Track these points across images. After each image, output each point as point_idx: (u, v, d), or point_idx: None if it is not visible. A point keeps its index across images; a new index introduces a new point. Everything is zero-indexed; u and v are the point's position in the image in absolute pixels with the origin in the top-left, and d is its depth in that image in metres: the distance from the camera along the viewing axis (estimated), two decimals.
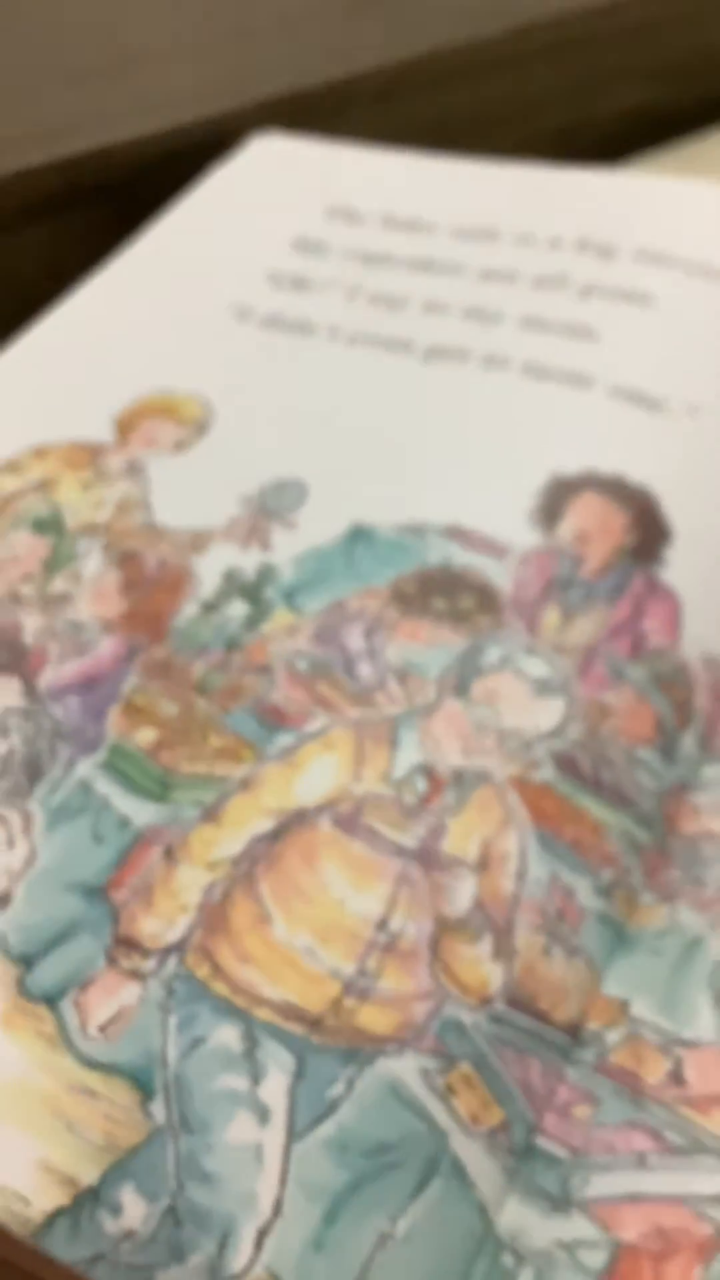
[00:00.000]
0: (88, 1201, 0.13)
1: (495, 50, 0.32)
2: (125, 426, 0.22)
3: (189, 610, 0.19)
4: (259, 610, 0.19)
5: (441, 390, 0.22)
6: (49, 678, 0.18)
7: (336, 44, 0.31)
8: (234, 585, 0.19)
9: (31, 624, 0.19)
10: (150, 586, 0.19)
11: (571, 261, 0.24)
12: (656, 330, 0.22)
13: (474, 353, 0.22)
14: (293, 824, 0.16)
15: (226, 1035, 0.14)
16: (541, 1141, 0.14)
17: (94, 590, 0.19)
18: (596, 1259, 0.14)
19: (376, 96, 0.30)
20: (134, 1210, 0.13)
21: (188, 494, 0.21)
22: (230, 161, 0.27)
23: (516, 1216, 0.14)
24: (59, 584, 0.19)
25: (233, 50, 0.31)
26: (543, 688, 0.18)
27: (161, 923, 0.15)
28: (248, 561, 0.20)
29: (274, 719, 0.18)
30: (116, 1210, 0.13)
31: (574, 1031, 0.15)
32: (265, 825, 0.16)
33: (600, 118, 0.34)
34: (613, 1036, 0.15)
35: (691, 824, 0.17)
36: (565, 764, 0.17)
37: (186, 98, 0.29)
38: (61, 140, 0.28)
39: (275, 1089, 0.14)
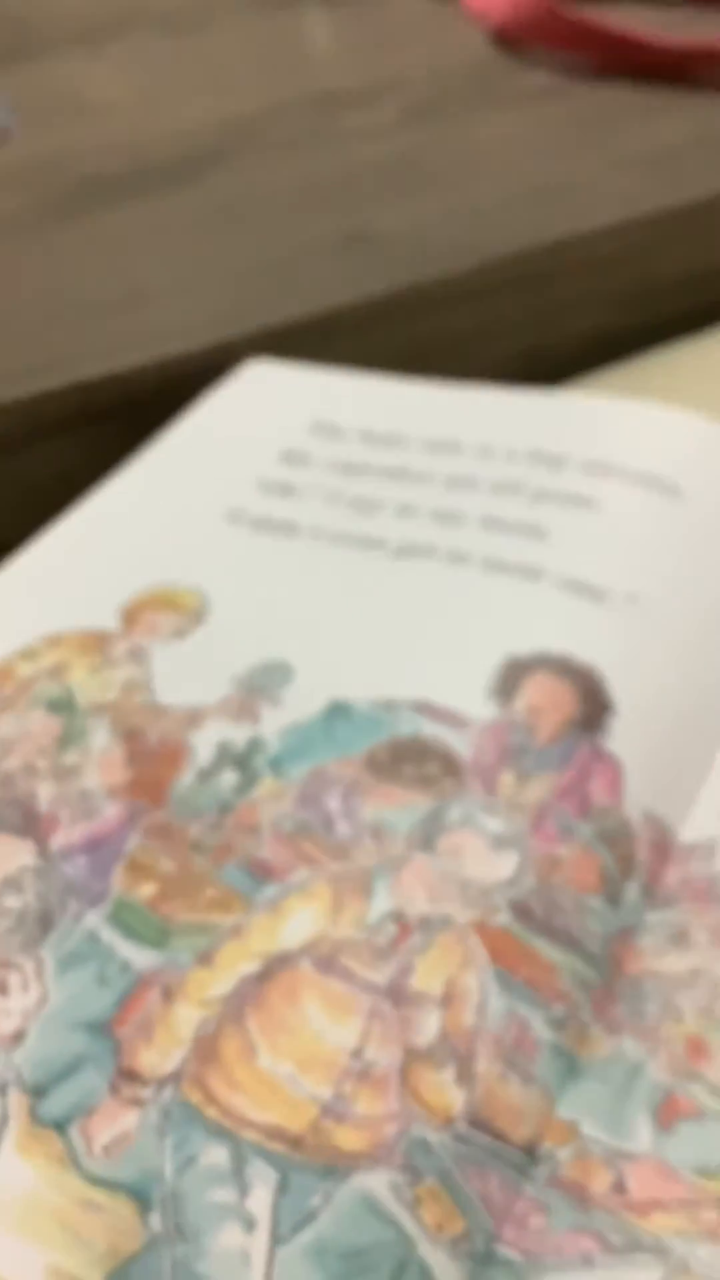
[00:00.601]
0: None
1: (462, 285, 0.36)
2: (130, 617, 0.25)
3: (186, 779, 0.21)
4: (248, 778, 0.21)
5: (411, 583, 0.25)
6: (60, 840, 0.21)
7: (319, 281, 0.35)
8: (226, 756, 0.22)
9: (45, 793, 0.21)
10: (151, 758, 0.22)
11: (525, 471, 0.27)
12: (599, 530, 0.26)
13: (440, 550, 0.25)
14: (277, 965, 0.18)
15: (217, 1154, 0.16)
16: (500, 1248, 0.16)
17: (101, 762, 0.22)
18: None
19: (355, 327, 0.34)
20: None
21: (186, 676, 0.23)
22: (226, 385, 0.31)
23: None
24: (70, 757, 0.22)
25: (228, 286, 0.35)
26: (499, 842, 0.20)
27: (159, 1056, 0.17)
28: (239, 735, 0.22)
29: (262, 873, 0.20)
30: None
31: (530, 1150, 0.17)
32: (253, 967, 0.18)
33: (557, 342, 0.38)
34: (564, 1154, 0.17)
35: (635, 964, 0.20)
36: (520, 910, 0.19)
37: (187, 329, 0.33)
38: (76, 366, 0.32)
39: (261, 1201, 0.16)
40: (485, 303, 0.36)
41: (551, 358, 0.37)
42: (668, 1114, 0.17)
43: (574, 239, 0.37)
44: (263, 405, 0.30)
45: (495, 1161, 0.17)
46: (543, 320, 0.37)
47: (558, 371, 0.36)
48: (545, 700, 0.22)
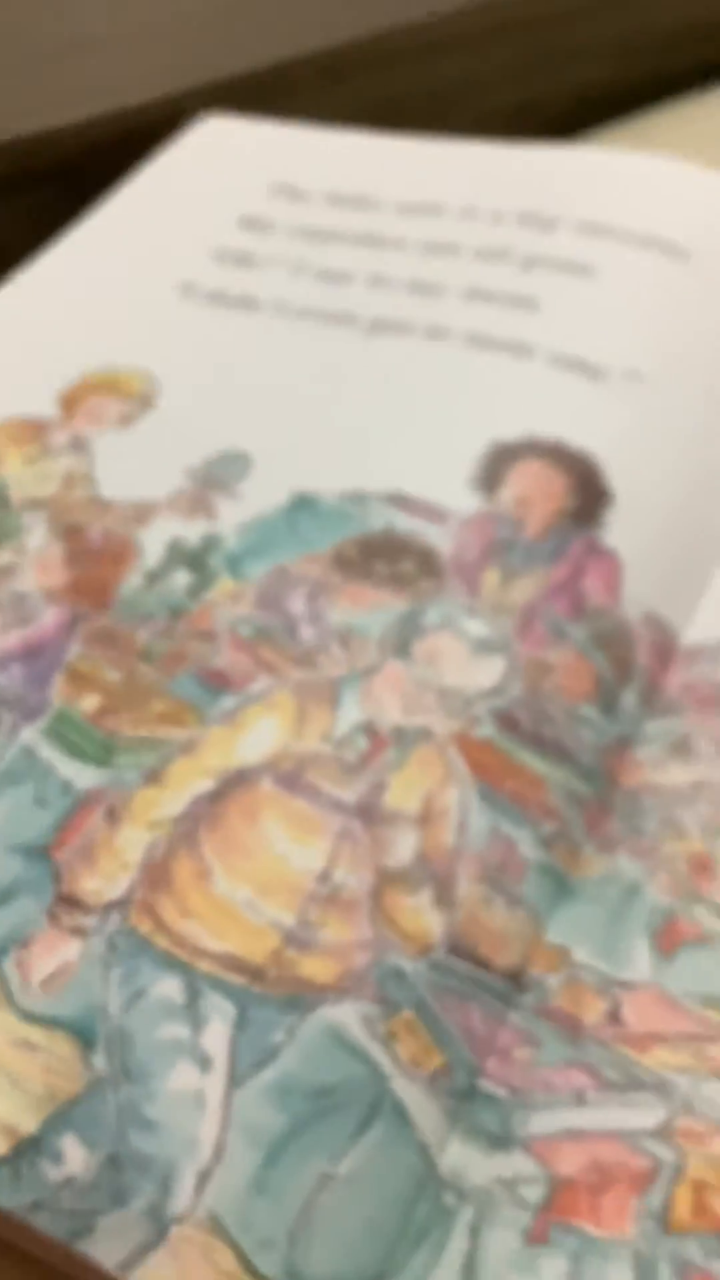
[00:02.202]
0: (28, 1150, 0.13)
1: (444, 30, 0.32)
2: (70, 403, 0.22)
3: (133, 580, 0.19)
4: (203, 578, 0.19)
5: (385, 362, 0.22)
6: None
7: (283, 26, 0.31)
8: (178, 555, 0.19)
9: None
10: (94, 558, 0.19)
11: (514, 234, 0.24)
12: (597, 300, 0.23)
13: (417, 325, 0.23)
14: (234, 783, 0.16)
15: (168, 987, 0.15)
16: (483, 1083, 0.15)
17: (38, 562, 0.19)
18: (535, 1193, 0.14)
19: (323, 78, 0.31)
20: (75, 1157, 0.13)
21: (133, 468, 0.21)
22: (177, 143, 0.27)
23: (458, 1156, 0.14)
24: (3, 557, 0.20)
25: (179, 33, 0.31)
26: (482, 647, 0.18)
27: (103, 881, 0.16)
28: (192, 532, 0.20)
29: (217, 683, 0.18)
30: (57, 1158, 0.13)
31: (516, 977, 0.16)
32: (207, 785, 0.16)
33: (553, 96, 0.34)
34: (553, 981, 0.16)
35: (633, 777, 0.18)
36: (505, 721, 0.17)
37: (133, 81, 0.29)
38: (9, 124, 0.28)
39: (216, 1038, 0.14)
40: (468, 52, 0.32)
41: (546, 114, 0.33)
42: (669, 939, 0.16)
43: None
44: (218, 165, 0.27)
45: (477, 991, 0.15)
46: (535, 72, 0.33)
47: (553, 129, 0.33)
48: (534, 489, 0.20)
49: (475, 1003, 0.15)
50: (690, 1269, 0.13)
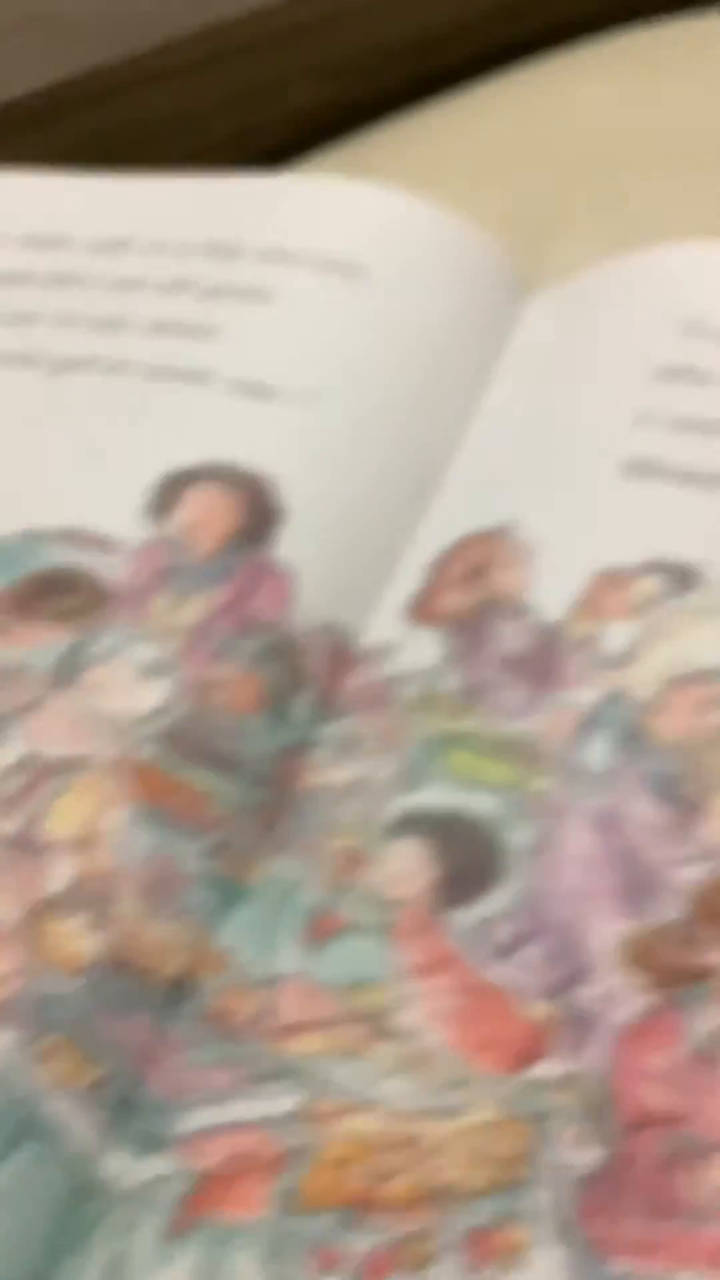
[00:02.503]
0: None
1: (157, 62, 0.32)
2: None
3: None
4: None
5: (68, 401, 0.23)
6: None
7: None
8: None
9: None
10: None
11: (198, 265, 0.25)
12: (274, 324, 0.24)
13: (99, 362, 0.23)
14: None
15: None
16: (144, 1091, 0.15)
17: None
18: (177, 1190, 0.14)
19: (35, 119, 0.31)
20: None
21: None
22: None
23: (115, 1164, 0.15)
24: None
25: None
26: (148, 671, 0.19)
27: None
28: None
29: None
30: None
31: (179, 986, 0.16)
32: None
33: (271, 122, 0.34)
34: (215, 985, 0.16)
35: (307, 780, 0.19)
36: (169, 740, 0.18)
37: None
38: None
39: None
40: (179, 83, 0.33)
41: (263, 141, 0.34)
42: (319, 931, 0.17)
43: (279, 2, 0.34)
44: None
45: (137, 1004, 0.16)
46: (251, 98, 0.34)
47: (271, 156, 0.33)
48: (204, 513, 0.21)
49: (135, 1015, 0.16)
50: (320, 1245, 0.14)
